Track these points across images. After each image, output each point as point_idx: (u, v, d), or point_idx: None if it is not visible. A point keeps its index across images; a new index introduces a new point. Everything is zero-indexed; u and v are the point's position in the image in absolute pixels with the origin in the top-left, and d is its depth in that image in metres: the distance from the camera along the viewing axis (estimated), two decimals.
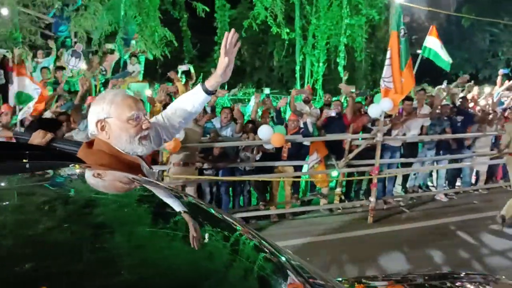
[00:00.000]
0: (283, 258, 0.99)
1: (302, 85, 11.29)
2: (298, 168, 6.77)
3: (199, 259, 0.84)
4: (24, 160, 1.31)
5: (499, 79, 10.26)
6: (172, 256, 0.82)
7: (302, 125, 6.50)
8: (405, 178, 7.78)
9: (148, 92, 7.33)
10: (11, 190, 1.07)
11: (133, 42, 9.66)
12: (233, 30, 1.91)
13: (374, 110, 5.93)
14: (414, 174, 7.71)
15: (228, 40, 1.86)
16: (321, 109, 6.84)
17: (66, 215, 0.92)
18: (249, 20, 10.91)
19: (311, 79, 11.62)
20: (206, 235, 0.99)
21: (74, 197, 1.08)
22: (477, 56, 17.81)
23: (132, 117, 1.63)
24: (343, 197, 7.09)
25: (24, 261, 0.69)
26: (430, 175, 8.28)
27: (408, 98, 7.09)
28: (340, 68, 10.99)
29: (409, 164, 7.49)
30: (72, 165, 1.38)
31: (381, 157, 7.08)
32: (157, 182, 1.53)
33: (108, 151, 1.63)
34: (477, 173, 8.38)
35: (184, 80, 8.50)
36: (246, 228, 1.11)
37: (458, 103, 7.63)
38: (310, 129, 6.43)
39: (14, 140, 2.19)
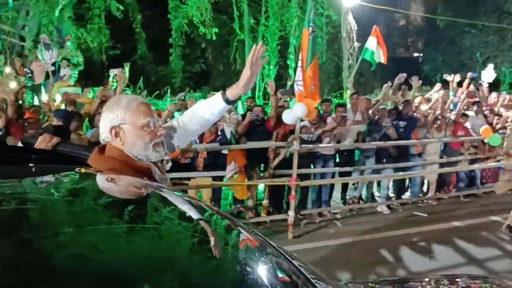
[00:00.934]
0: (292, 262, 1.04)
1: (253, 89, 10.82)
2: (219, 180, 6.31)
3: (214, 264, 0.87)
4: (30, 164, 1.32)
5: (466, 82, 9.83)
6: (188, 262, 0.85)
7: (219, 133, 6.07)
8: (345, 188, 7.31)
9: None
10: (21, 194, 1.07)
11: (68, 43, 9.27)
12: (260, 43, 1.92)
13: (288, 116, 5.48)
14: (353, 184, 7.22)
15: (256, 53, 1.88)
16: (244, 116, 6.39)
17: (74, 219, 0.93)
18: (179, 20, 10.48)
19: (262, 83, 11.16)
20: (223, 241, 1.01)
21: (81, 202, 1.09)
22: (454, 58, 17.31)
23: (147, 124, 1.65)
24: (271, 210, 6.62)
25: (37, 267, 0.69)
26: (378, 185, 7.79)
27: (341, 104, 6.65)
28: (290, 71, 10.52)
29: (348, 174, 7.04)
30: (78, 169, 1.37)
31: (314, 166, 6.69)
32: (168, 188, 1.50)
33: (119, 157, 1.63)
34: (428, 182, 7.91)
35: (115, 84, 8.08)
36: (257, 234, 1.14)
37: (400, 106, 7.17)
38: (228, 136, 5.99)
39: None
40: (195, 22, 10.25)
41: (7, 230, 0.81)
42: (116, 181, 1.35)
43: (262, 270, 0.95)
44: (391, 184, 7.73)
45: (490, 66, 10.44)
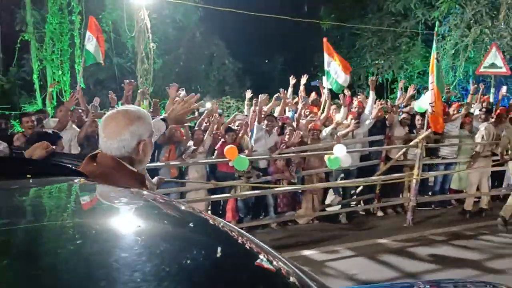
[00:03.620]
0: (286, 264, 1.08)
1: (44, 98, 9.32)
2: None
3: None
4: (28, 176, 1.31)
5: (301, 89, 8.64)
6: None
7: None
8: None
9: None
10: (29, 207, 1.09)
11: None
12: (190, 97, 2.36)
13: None
14: None
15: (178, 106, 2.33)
16: None
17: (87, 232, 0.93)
18: None
19: (54, 89, 9.59)
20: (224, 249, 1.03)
21: (92, 214, 1.11)
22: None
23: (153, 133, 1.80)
24: None
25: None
26: None
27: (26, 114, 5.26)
28: (79, 77, 8.95)
29: None
30: (78, 180, 1.38)
31: None
32: (170, 199, 1.53)
33: (118, 167, 1.63)
34: None
35: None
36: (248, 236, 1.16)
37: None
38: None
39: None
40: None
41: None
42: (126, 193, 1.36)
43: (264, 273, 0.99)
44: None
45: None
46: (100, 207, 1.19)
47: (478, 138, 7.31)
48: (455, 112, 7.80)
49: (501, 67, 10.72)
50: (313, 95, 8.72)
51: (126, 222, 1.05)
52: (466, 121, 7.93)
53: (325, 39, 7.98)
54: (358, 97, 7.78)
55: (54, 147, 2.02)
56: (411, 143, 6.88)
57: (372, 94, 7.22)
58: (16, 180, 1.26)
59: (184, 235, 1.05)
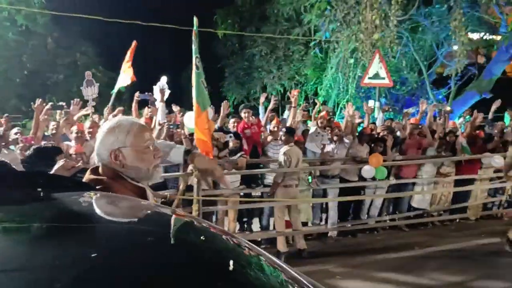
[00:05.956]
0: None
1: None
2: None
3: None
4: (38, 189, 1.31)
5: (134, 104, 7.54)
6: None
7: None
8: None
9: None
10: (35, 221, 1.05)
11: None
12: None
13: None
14: None
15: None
16: None
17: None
18: None
19: None
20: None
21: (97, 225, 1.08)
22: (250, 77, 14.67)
23: (148, 146, 1.72)
24: None
25: None
26: None
27: None
28: None
29: None
30: (89, 193, 1.37)
31: None
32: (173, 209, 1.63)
33: (115, 179, 1.65)
34: None
35: None
36: (251, 246, 1.14)
37: None
38: None
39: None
40: None
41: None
42: (124, 203, 1.38)
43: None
44: None
45: (163, 79, 8.32)
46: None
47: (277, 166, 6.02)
48: (276, 129, 6.56)
49: (383, 78, 9.51)
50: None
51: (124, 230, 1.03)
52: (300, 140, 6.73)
53: (134, 42, 7.68)
54: (149, 113, 6.59)
55: (79, 165, 2.13)
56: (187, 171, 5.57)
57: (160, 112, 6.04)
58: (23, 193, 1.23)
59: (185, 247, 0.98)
